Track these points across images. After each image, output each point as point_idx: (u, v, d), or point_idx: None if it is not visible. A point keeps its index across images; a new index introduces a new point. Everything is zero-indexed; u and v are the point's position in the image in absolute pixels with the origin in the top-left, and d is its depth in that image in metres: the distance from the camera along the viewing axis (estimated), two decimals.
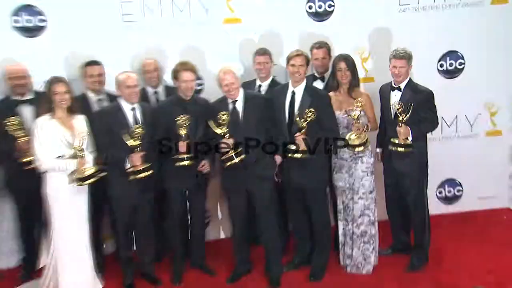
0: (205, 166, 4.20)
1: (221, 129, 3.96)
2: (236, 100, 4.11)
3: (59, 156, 3.82)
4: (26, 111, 4.23)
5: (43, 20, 4.54)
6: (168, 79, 4.45)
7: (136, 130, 3.90)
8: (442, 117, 4.87)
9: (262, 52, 4.58)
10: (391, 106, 4.24)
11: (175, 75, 4.13)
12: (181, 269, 4.42)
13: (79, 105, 4.02)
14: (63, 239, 3.91)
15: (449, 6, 5.07)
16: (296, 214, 4.41)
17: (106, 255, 4.63)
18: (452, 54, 5.18)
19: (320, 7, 4.93)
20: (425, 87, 4.23)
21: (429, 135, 4.40)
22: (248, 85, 4.53)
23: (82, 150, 3.80)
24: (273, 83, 4.60)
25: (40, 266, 4.28)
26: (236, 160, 3.97)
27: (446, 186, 5.50)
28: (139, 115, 4.06)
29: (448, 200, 5.53)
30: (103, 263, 4.44)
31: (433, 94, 4.21)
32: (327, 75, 4.53)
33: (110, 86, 4.33)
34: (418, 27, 5.00)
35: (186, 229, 4.44)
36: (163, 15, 4.74)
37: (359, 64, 4.60)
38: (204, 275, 4.44)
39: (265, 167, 4.13)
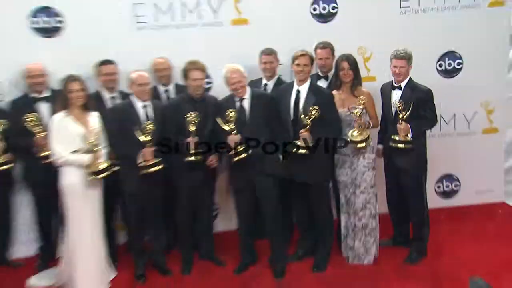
0: (213, 161, 4.26)
1: (228, 126, 4.02)
2: (244, 98, 4.15)
3: (74, 151, 3.89)
4: (44, 108, 4.32)
5: (60, 21, 4.62)
6: (178, 77, 4.49)
7: (148, 126, 3.98)
8: (440, 115, 4.89)
9: (268, 51, 4.62)
10: (392, 104, 4.29)
11: (185, 73, 4.17)
12: (190, 260, 4.47)
13: (93, 102, 4.08)
14: (78, 231, 3.96)
15: (448, 8, 5.12)
16: (300, 208, 4.46)
17: (118, 244, 4.67)
18: (451, 55, 5.23)
19: (324, 9, 4.99)
20: (424, 86, 4.27)
21: (428, 132, 4.45)
22: (254, 84, 4.55)
23: (96, 145, 3.87)
24: (279, 81, 4.63)
25: (57, 256, 4.35)
26: (243, 155, 4.02)
27: (444, 181, 5.55)
28: (150, 112, 4.12)
29: (446, 194, 5.58)
30: (116, 253, 4.50)
31: (432, 93, 4.26)
32: (330, 74, 4.56)
33: (123, 85, 4.41)
34: (418, 28, 5.04)
35: (194, 221, 4.45)
36: (173, 17, 4.79)
37: (361, 64, 4.63)
38: (212, 266, 4.47)
39: (270, 162, 4.15)
